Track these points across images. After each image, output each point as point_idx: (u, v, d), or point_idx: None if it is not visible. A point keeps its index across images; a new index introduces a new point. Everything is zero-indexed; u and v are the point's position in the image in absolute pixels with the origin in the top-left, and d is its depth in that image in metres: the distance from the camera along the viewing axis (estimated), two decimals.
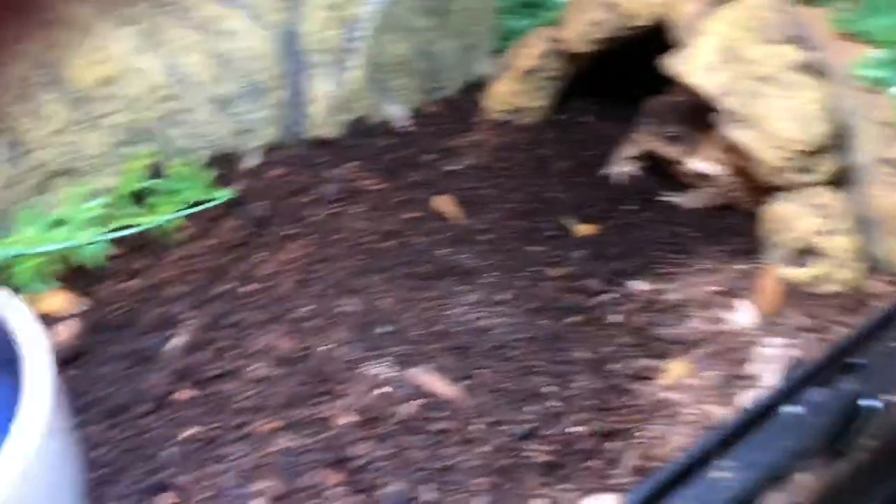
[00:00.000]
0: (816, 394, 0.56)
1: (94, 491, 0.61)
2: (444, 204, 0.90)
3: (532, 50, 1.01)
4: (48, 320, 0.72)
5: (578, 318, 0.76)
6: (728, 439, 0.53)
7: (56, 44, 0.78)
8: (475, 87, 1.09)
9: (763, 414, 0.54)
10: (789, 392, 0.55)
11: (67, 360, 0.71)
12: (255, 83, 0.90)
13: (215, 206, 0.85)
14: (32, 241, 0.70)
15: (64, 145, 0.80)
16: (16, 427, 0.54)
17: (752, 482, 0.51)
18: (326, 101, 0.97)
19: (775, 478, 0.52)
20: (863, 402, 0.55)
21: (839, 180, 0.79)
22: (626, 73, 0.97)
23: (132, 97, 0.82)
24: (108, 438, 0.65)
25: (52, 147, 0.79)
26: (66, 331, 0.74)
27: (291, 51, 0.92)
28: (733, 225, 0.89)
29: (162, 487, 0.60)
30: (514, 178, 0.96)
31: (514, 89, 1.03)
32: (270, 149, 0.95)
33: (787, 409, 0.55)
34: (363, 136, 1.00)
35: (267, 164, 0.93)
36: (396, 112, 1.03)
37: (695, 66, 0.81)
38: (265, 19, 0.89)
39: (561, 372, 0.70)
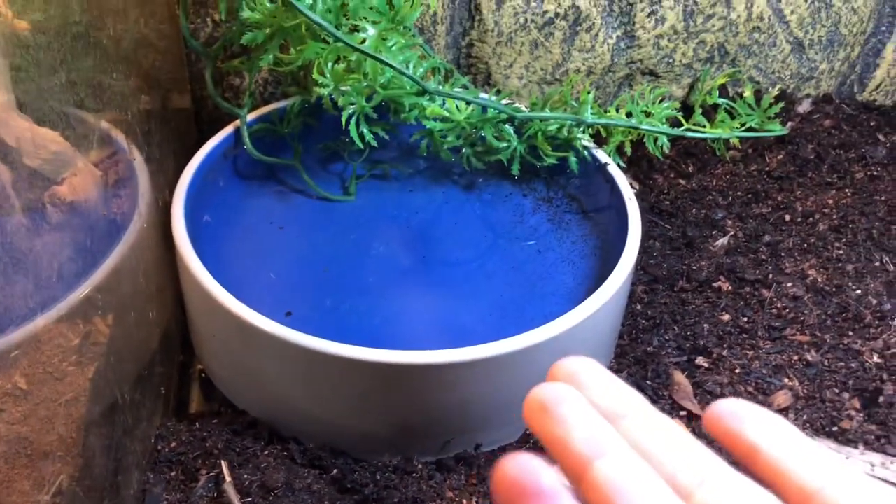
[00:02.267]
0: None
1: (634, 332, 0.73)
2: None
3: None
4: None
5: None
6: None
7: None
8: None
9: None
10: None
11: None
12: (838, 35, 0.93)
13: (767, 138, 0.91)
14: (625, 119, 0.81)
15: (661, 49, 0.91)
16: (622, 262, 0.66)
17: None
18: (894, 68, 0.97)
19: None
20: None
21: None
22: None
23: (731, 21, 0.90)
24: (649, 300, 0.76)
25: (652, 48, 0.91)
26: None
27: (885, 12, 0.93)
28: None
29: (699, 351, 0.70)
30: None
31: None
32: (823, 100, 0.98)
33: None
34: None
35: (818, 113, 0.96)
36: None
37: None
38: None
39: None
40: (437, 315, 0.70)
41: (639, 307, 0.76)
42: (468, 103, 0.76)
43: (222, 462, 0.56)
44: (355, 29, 0.71)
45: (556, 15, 0.86)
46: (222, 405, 0.67)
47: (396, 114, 0.77)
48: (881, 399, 0.65)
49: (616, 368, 0.69)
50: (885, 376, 0.67)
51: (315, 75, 0.70)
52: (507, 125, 0.77)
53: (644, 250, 0.81)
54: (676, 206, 0.86)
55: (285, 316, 0.67)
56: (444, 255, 0.75)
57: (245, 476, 0.56)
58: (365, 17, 0.70)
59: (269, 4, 0.69)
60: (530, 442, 0.63)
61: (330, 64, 0.71)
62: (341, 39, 0.66)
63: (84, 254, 0.62)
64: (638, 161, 0.91)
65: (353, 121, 0.71)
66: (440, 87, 0.73)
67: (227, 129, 0.77)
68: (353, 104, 0.71)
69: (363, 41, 0.69)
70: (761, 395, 0.65)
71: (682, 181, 0.89)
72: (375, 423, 0.62)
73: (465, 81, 0.81)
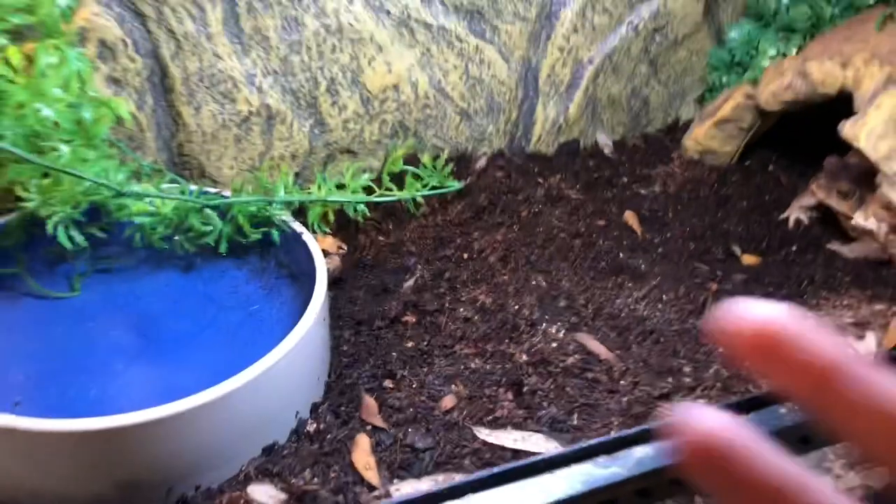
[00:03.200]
0: None
1: (339, 370, 0.86)
2: (630, 218, 1.09)
3: (729, 102, 1.17)
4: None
5: None
6: None
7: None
8: (675, 128, 1.27)
9: None
10: None
11: (330, 284, 0.97)
12: (495, 103, 1.14)
13: (449, 193, 1.09)
14: (322, 194, 0.97)
15: (350, 131, 1.08)
16: (306, 313, 0.80)
17: None
18: (548, 124, 1.19)
19: None
20: None
21: None
22: (810, 132, 1.11)
23: (402, 102, 1.08)
24: (354, 340, 0.90)
25: (342, 131, 1.07)
26: (331, 263, 1.01)
27: (529, 81, 1.15)
28: (886, 277, 1.00)
29: (387, 375, 0.84)
30: (695, 208, 1.13)
31: (709, 134, 1.19)
32: (496, 155, 1.19)
33: None
34: (573, 155, 1.21)
35: (492, 167, 1.17)
36: (604, 140, 1.23)
37: (865, 132, 0.94)
38: (513, 55, 1.12)
39: (699, 360, 0.87)
40: (158, 384, 0.80)
41: (345, 348, 0.89)
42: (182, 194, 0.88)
43: None
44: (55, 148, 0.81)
45: (251, 113, 1.00)
46: None
47: (109, 215, 0.88)
48: (525, 389, 0.82)
49: (322, 402, 0.82)
50: (530, 370, 0.84)
51: (19, 192, 0.79)
52: (210, 211, 0.89)
53: (350, 300, 0.96)
54: (378, 259, 1.02)
55: (14, 406, 0.75)
56: (167, 332, 0.86)
57: None
58: (60, 139, 0.80)
59: None
60: (242, 475, 0.74)
61: (34, 181, 0.80)
62: (35, 162, 0.77)
63: None
64: (346, 226, 1.06)
65: (60, 227, 0.81)
66: (139, 188, 0.85)
67: None
68: (59, 213, 0.81)
69: (59, 159, 0.79)
70: (432, 402, 0.80)
71: (382, 238, 1.05)
72: (101, 487, 0.71)
73: (173, 177, 0.93)
